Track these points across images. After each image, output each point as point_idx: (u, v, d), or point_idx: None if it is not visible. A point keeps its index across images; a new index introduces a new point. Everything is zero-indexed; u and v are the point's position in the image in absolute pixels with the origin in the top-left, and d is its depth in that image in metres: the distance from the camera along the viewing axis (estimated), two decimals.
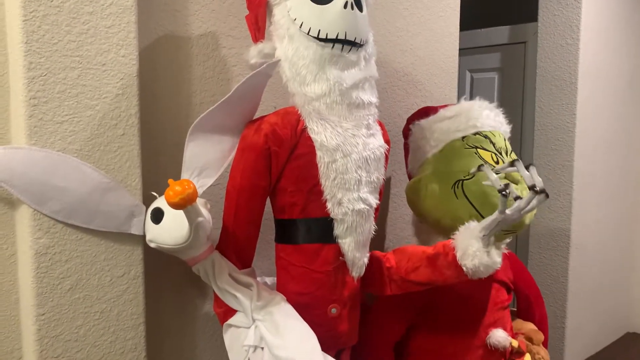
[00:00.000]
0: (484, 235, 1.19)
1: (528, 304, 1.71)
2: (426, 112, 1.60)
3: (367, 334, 1.44)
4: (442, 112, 1.54)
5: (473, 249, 1.18)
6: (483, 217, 1.25)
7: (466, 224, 1.24)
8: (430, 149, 1.51)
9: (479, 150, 1.41)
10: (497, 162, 1.39)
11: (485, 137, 1.44)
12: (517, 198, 1.15)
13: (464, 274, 1.21)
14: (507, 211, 1.15)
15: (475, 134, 1.45)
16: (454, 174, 1.40)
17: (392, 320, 1.51)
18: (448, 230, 1.32)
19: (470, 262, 1.18)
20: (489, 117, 1.48)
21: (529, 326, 1.67)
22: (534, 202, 1.14)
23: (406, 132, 1.66)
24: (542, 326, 1.72)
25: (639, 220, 3.45)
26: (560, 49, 2.69)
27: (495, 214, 1.16)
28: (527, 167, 1.17)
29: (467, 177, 1.37)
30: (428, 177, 1.47)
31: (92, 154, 1.10)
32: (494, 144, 1.43)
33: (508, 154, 1.43)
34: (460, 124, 1.47)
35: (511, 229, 1.32)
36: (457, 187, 1.38)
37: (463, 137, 1.45)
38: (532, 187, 1.13)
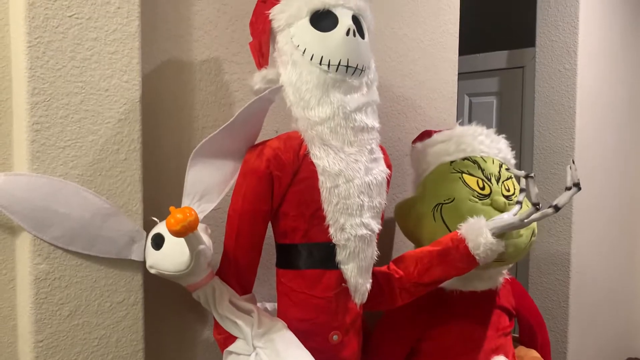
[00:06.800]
0: (493, 233, 1.26)
1: (530, 330, 1.70)
2: (427, 135, 1.62)
3: (369, 357, 1.43)
4: (435, 136, 1.56)
5: (483, 239, 1.25)
6: None
7: (471, 219, 1.29)
8: (422, 172, 1.54)
9: (464, 175, 1.43)
10: (483, 188, 1.41)
11: (474, 162, 1.46)
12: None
13: (475, 262, 1.27)
14: (526, 220, 1.24)
15: (464, 159, 1.47)
16: (436, 197, 1.44)
17: (394, 343, 1.50)
18: None
19: (482, 250, 1.25)
20: (482, 143, 1.50)
21: (532, 353, 1.66)
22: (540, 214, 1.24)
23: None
24: (544, 353, 1.71)
25: (638, 243, 3.44)
26: (558, 74, 2.71)
27: (515, 219, 1.25)
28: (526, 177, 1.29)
29: (447, 201, 1.40)
30: (414, 199, 1.52)
31: (93, 179, 1.10)
32: (482, 170, 1.44)
33: (499, 181, 1.44)
34: (449, 148, 1.50)
35: (506, 257, 1.37)
36: (437, 210, 1.42)
37: (452, 162, 1.48)
38: (535, 204, 1.22)
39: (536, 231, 1.44)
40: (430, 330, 1.50)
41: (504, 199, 1.39)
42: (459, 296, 1.49)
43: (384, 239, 1.90)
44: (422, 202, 1.48)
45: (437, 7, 2.00)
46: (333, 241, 1.17)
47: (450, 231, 1.36)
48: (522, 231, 1.36)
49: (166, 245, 1.09)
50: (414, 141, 1.66)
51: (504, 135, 1.59)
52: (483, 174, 1.44)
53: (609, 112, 2.97)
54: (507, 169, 1.45)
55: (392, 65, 1.87)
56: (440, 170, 1.49)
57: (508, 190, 1.43)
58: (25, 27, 1.01)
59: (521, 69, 3.10)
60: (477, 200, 1.39)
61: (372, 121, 1.21)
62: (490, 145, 1.51)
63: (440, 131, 1.59)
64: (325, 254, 1.19)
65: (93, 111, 1.10)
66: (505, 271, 1.58)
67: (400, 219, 1.56)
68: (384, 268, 1.34)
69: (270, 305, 1.34)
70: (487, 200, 1.39)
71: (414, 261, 1.31)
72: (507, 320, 1.58)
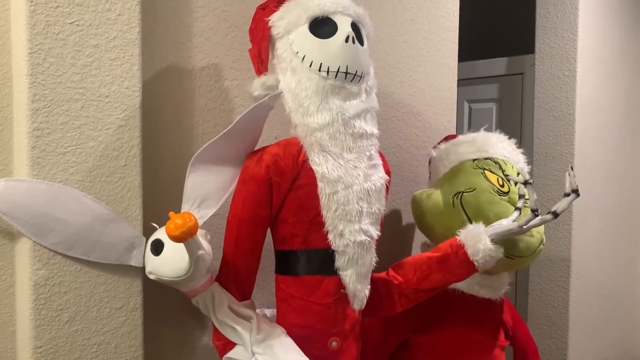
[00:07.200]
0: (492, 240, 1.26)
1: (525, 357, 1.71)
2: (451, 138, 1.68)
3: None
4: (460, 137, 1.63)
5: (482, 245, 1.24)
6: None
7: (470, 225, 1.30)
8: (444, 168, 1.59)
9: (485, 171, 1.48)
10: (503, 186, 1.45)
11: (496, 162, 1.51)
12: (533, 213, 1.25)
13: (474, 269, 1.27)
14: (524, 227, 1.24)
15: (486, 158, 1.52)
16: (456, 186, 1.48)
17: (385, 330, 1.51)
18: (440, 240, 1.39)
19: (481, 256, 1.24)
20: (504, 149, 1.56)
21: None
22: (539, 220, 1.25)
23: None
24: None
25: (638, 249, 3.43)
26: (557, 80, 2.72)
27: (514, 226, 1.26)
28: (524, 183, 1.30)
29: (468, 190, 1.45)
30: (433, 189, 1.56)
31: (93, 185, 1.10)
32: (503, 171, 1.49)
33: (517, 185, 1.48)
34: (474, 147, 1.56)
35: (517, 253, 1.39)
36: (456, 197, 1.46)
37: (474, 160, 1.52)
38: (534, 211, 1.23)
39: (544, 240, 1.46)
40: (427, 323, 1.50)
41: None
42: (460, 296, 1.50)
43: (397, 245, 1.90)
44: (441, 190, 1.52)
45: (436, 14, 2.01)
46: (332, 247, 1.17)
47: (468, 218, 1.40)
48: (534, 231, 1.39)
49: (165, 251, 1.09)
50: (438, 143, 1.70)
51: (522, 151, 1.63)
52: (503, 174, 1.48)
53: (609, 118, 2.97)
54: (507, 175, 1.46)
55: (391, 72, 1.87)
56: (462, 165, 1.53)
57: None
58: (26, 34, 1.02)
59: (520, 76, 3.10)
60: (496, 194, 1.43)
61: (371, 127, 1.21)
62: (512, 152, 1.57)
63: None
64: (324, 260, 1.19)
65: (93, 117, 1.10)
66: (507, 283, 1.58)
67: (416, 207, 1.59)
68: (383, 274, 1.34)
69: (270, 312, 1.34)
70: (505, 197, 1.43)
71: (413, 267, 1.31)
72: (504, 336, 1.59)
